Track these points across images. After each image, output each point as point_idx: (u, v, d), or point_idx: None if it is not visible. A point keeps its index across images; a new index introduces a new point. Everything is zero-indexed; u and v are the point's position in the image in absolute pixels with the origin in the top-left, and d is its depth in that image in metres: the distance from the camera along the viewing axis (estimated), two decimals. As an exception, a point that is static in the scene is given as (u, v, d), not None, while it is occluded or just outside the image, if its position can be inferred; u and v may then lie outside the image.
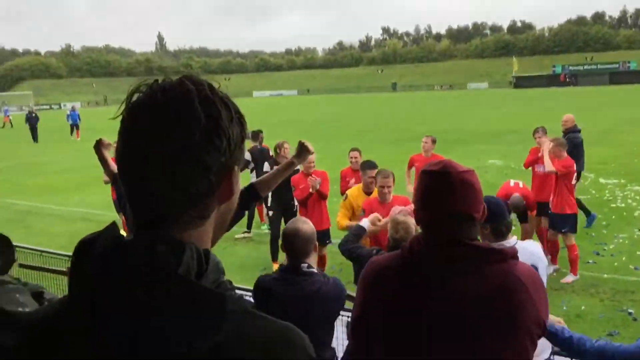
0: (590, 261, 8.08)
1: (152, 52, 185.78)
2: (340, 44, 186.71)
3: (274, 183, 3.41)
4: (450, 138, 22.79)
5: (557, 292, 6.99)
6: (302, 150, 3.39)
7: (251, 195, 3.30)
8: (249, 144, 10.76)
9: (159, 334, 0.79)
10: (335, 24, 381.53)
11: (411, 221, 4.08)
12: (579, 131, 10.02)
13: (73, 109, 33.20)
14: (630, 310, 6.37)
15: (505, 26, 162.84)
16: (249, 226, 10.27)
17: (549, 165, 7.55)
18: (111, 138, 3.02)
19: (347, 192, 6.86)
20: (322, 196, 7.47)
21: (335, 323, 3.36)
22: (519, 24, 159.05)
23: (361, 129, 28.77)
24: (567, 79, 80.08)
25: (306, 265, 3.17)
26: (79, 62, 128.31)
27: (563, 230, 7.50)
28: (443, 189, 1.67)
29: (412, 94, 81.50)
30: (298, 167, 6.64)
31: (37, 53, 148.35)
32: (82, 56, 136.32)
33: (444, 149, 19.14)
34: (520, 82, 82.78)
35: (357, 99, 72.05)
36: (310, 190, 7.34)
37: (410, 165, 9.32)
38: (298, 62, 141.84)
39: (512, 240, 3.37)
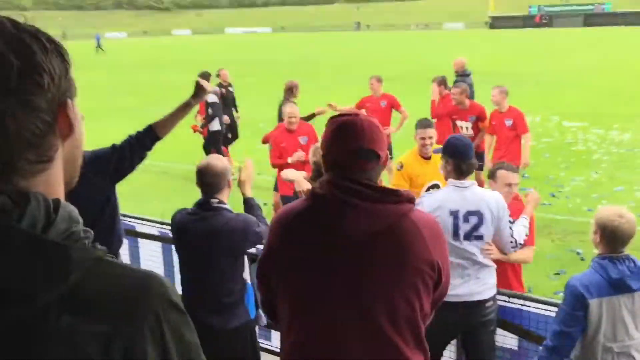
0: (546, 203, 8.32)
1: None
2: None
3: (172, 124, 3.45)
4: (420, 79, 22.73)
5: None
6: (199, 90, 3.45)
7: (151, 136, 3.35)
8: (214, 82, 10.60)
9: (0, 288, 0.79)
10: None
11: None
12: (469, 75, 10.69)
13: None
14: (578, 250, 6.64)
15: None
16: None
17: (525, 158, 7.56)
18: None
19: (401, 159, 5.45)
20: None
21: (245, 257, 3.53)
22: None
23: (333, 70, 28.50)
24: (543, 20, 79.75)
25: (216, 200, 3.27)
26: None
27: None
28: (351, 129, 1.81)
29: (387, 33, 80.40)
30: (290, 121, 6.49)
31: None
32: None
33: (413, 90, 19.11)
34: (496, 23, 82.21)
35: (332, 37, 70.86)
36: (289, 160, 6.48)
37: (360, 106, 9.21)
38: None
39: (467, 183, 3.43)
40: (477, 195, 3.40)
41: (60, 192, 0.93)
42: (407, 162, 5.23)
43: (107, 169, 3.31)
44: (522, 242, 3.63)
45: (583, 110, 15.62)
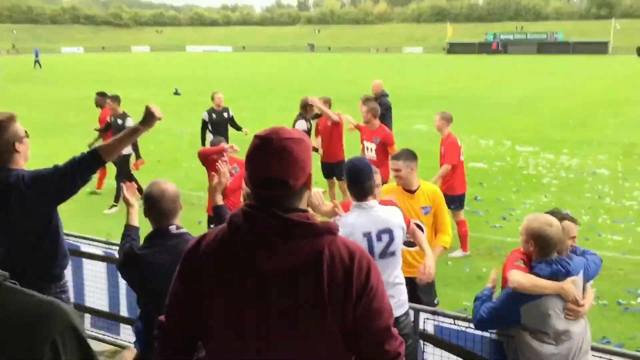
0: (497, 225, 8.45)
1: (80, 0, 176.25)
2: (278, 1, 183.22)
3: (119, 149, 3.40)
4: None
5: (463, 258, 7.28)
6: (148, 116, 3.34)
7: (95, 160, 3.25)
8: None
9: None
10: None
11: None
12: (387, 96, 10.93)
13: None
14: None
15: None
16: (117, 199, 9.43)
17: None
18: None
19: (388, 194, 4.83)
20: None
21: None
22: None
23: (293, 88, 28.56)
24: (498, 48, 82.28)
25: (174, 226, 3.07)
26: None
27: (452, 207, 7.12)
28: (261, 152, 1.68)
29: (348, 55, 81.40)
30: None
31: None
32: (1, 0, 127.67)
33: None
34: (454, 49, 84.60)
35: (292, 58, 71.32)
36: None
37: (317, 134, 9.23)
38: (234, 18, 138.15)
39: (371, 202, 3.48)
40: (383, 213, 3.49)
41: None
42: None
43: (47, 190, 3.18)
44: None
45: (535, 135, 16.03)
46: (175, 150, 14.18)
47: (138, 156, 9.48)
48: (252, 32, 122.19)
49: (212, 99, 10.28)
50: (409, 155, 4.75)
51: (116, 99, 9.46)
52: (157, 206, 3.03)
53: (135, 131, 3.35)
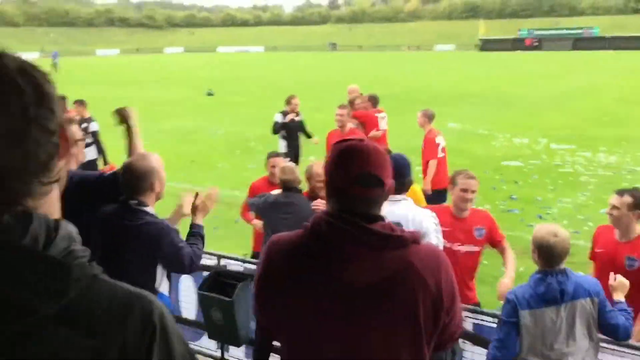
0: (533, 224, 8.32)
1: (115, 3, 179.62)
2: (308, 1, 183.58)
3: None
4: (410, 99, 22.89)
5: (497, 255, 7.21)
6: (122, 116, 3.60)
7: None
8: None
9: (3, 301, 0.84)
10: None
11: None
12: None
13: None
14: (565, 272, 6.63)
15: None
16: None
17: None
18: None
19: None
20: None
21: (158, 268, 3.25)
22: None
23: (323, 87, 28.62)
24: (533, 43, 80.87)
25: (135, 202, 3.14)
26: (37, 10, 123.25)
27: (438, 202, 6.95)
28: (355, 153, 1.69)
29: (379, 53, 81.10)
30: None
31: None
32: (39, 4, 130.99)
33: (403, 110, 19.18)
34: (487, 45, 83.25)
35: (322, 57, 71.39)
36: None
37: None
38: (265, 18, 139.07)
39: (399, 197, 3.46)
40: (404, 209, 3.47)
41: (58, 211, 0.99)
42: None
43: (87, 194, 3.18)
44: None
45: (571, 132, 15.75)
46: (209, 151, 14.35)
47: (106, 162, 9.38)
48: (283, 32, 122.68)
49: (288, 102, 9.55)
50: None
51: (82, 102, 9.40)
52: (123, 177, 3.17)
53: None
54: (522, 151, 13.66)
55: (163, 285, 3.39)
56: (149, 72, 47.86)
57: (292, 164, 5.35)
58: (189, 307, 4.83)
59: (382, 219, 1.69)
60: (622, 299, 3.32)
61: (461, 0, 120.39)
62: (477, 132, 16.36)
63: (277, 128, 9.48)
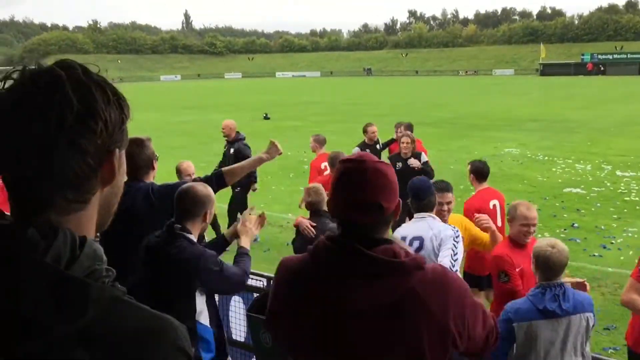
0: (596, 254, 7.98)
1: (178, 30, 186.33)
2: (365, 26, 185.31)
3: (240, 174, 3.77)
4: (468, 123, 22.56)
5: (558, 284, 6.92)
6: (272, 149, 3.82)
7: (219, 181, 3.53)
8: None
9: (19, 318, 0.81)
10: (361, 6, 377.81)
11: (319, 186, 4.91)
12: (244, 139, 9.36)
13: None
14: (630, 305, 6.28)
15: (534, 12, 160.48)
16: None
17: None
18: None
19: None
20: None
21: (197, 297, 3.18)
22: (548, 11, 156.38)
23: (379, 112, 28.60)
24: (597, 68, 78.58)
25: (179, 227, 3.09)
26: (106, 38, 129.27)
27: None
28: (355, 176, 1.65)
29: (435, 78, 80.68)
30: None
31: (65, 28, 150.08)
32: (108, 32, 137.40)
33: (460, 134, 18.96)
34: (547, 70, 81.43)
35: (379, 81, 71.54)
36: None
37: None
38: (322, 43, 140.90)
39: (424, 214, 3.99)
40: (427, 225, 3.92)
41: (90, 233, 0.96)
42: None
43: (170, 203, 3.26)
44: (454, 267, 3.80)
45: (637, 159, 15.09)
46: (264, 173, 14.48)
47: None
48: (340, 57, 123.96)
49: (365, 132, 9.13)
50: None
51: None
52: (177, 201, 3.19)
53: (260, 160, 3.80)
54: (585, 178, 13.15)
55: (203, 315, 3.28)
56: (209, 97, 49.14)
57: (317, 184, 5.12)
58: (238, 328, 4.82)
59: (386, 241, 1.65)
60: None
61: (521, 25, 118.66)
62: (537, 157, 15.90)
63: None
